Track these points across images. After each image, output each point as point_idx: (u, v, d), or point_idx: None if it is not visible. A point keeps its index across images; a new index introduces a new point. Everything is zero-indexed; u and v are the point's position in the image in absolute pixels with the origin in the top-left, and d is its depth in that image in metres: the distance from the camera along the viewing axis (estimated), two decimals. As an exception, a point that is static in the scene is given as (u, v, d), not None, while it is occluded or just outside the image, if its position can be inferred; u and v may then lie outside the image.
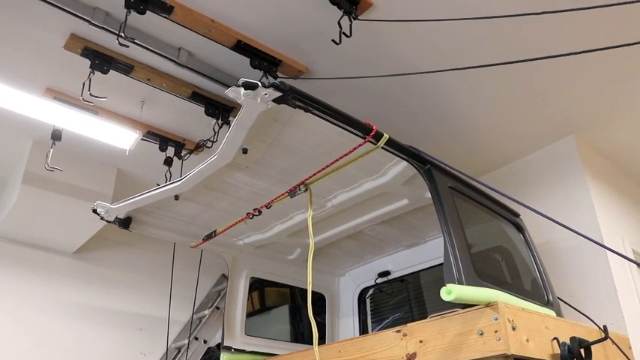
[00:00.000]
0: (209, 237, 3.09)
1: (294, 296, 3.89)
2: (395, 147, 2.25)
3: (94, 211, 2.80)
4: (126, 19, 2.54)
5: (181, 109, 3.36)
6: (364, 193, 2.77)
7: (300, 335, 3.78)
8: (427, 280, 3.62)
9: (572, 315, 2.73)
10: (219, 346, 3.37)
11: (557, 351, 1.99)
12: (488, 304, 1.86)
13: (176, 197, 2.69)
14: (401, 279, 3.68)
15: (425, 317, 2.08)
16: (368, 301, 3.85)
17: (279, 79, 2.64)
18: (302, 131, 2.26)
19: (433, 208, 2.26)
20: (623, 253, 3.23)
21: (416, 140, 3.48)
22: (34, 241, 4.07)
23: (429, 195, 2.46)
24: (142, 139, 3.49)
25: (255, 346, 3.23)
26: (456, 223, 2.19)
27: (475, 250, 2.30)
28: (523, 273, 2.68)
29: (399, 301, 3.74)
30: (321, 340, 3.72)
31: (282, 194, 2.69)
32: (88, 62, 2.87)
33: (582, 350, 2.02)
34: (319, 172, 2.48)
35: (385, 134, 2.18)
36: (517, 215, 2.88)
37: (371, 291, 3.85)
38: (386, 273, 3.69)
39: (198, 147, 3.65)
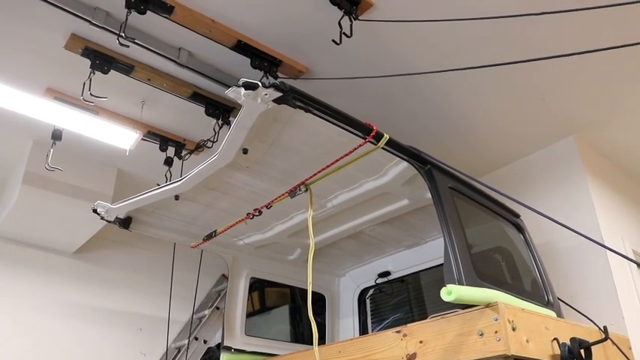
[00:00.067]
0: (209, 237, 3.09)
1: (294, 296, 3.89)
2: (395, 147, 2.25)
3: (94, 211, 2.80)
4: (126, 19, 2.54)
5: (182, 109, 3.36)
6: (364, 193, 2.77)
7: (300, 335, 3.77)
8: (427, 280, 3.62)
9: (572, 315, 2.73)
10: (219, 346, 3.36)
11: (558, 352, 1.99)
12: (488, 305, 1.86)
13: (176, 197, 2.69)
14: (401, 279, 3.68)
15: (425, 318, 2.08)
16: (368, 301, 3.85)
17: (279, 80, 2.65)
18: (302, 131, 2.26)
19: (433, 208, 2.26)
20: (624, 253, 3.23)
21: (416, 140, 3.48)
22: (35, 241, 4.07)
23: (429, 195, 2.46)
24: (143, 139, 3.49)
25: (255, 346, 3.23)
26: (456, 223, 2.19)
27: (475, 250, 2.30)
28: (523, 273, 2.68)
29: (399, 302, 3.74)
30: (321, 340, 3.72)
31: (283, 194, 2.69)
32: (88, 62, 2.87)
33: (582, 351, 2.02)
34: (319, 172, 2.48)
35: (385, 134, 2.18)
36: (517, 216, 2.88)
37: (371, 291, 3.85)
38: (386, 273, 3.69)
39: (199, 147, 3.65)
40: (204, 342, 4.52)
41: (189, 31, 2.70)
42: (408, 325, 2.09)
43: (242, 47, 2.80)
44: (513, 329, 1.80)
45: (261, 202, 2.78)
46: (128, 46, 2.68)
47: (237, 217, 2.92)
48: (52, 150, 3.42)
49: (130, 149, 3.48)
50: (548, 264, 3.03)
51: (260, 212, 2.84)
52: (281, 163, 2.48)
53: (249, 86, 1.84)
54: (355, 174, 2.63)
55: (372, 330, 3.77)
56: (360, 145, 2.23)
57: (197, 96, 3.19)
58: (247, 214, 2.87)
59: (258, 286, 3.61)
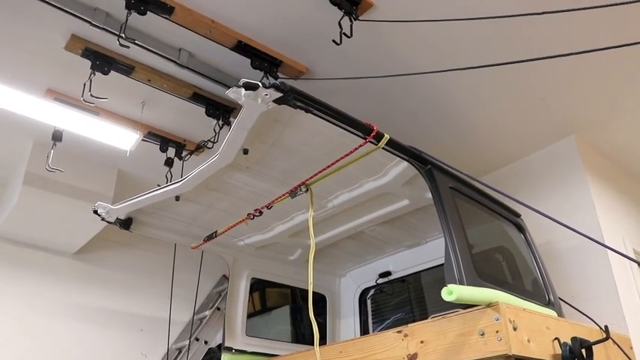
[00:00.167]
0: (210, 238, 3.09)
1: (294, 297, 3.89)
2: (396, 147, 2.25)
3: (95, 211, 2.81)
4: (126, 19, 2.54)
5: (182, 109, 3.36)
6: (365, 193, 2.77)
7: (301, 336, 3.77)
8: (428, 280, 3.62)
9: (573, 315, 2.73)
10: (220, 346, 3.36)
11: (559, 351, 1.99)
12: (489, 305, 1.85)
13: (177, 198, 2.68)
14: (402, 279, 3.68)
15: (426, 318, 2.08)
16: (369, 301, 3.85)
17: (279, 80, 2.65)
18: (303, 132, 2.26)
19: (434, 208, 2.26)
20: (624, 253, 3.23)
21: (416, 140, 3.48)
22: (35, 242, 4.07)
23: (429, 195, 2.46)
24: (143, 140, 3.49)
25: (256, 346, 3.23)
26: (456, 223, 2.19)
27: (476, 250, 2.30)
28: (524, 273, 2.68)
29: (399, 302, 3.74)
30: (322, 340, 3.72)
31: (283, 195, 2.69)
32: (88, 63, 2.87)
33: (583, 350, 2.02)
34: (320, 172, 2.48)
35: (386, 135, 2.18)
36: (518, 215, 2.88)
37: (372, 291, 3.85)
38: (387, 273, 3.69)
39: (199, 148, 3.65)
40: (205, 343, 4.52)
41: (189, 32, 2.70)
42: (409, 325, 2.09)
43: (242, 48, 2.80)
44: (514, 329, 1.80)
45: (262, 202, 2.78)
46: (128, 47, 2.68)
47: (237, 218, 2.92)
48: (52, 151, 3.42)
49: (130, 150, 3.48)
50: (549, 264, 3.03)
51: (261, 213, 2.84)
52: (281, 163, 2.48)
53: (250, 87, 1.84)
54: (356, 174, 2.63)
55: (373, 330, 3.77)
56: (361, 146, 2.23)
57: (197, 96, 3.20)
58: (248, 215, 2.87)
59: (258, 286, 3.61)
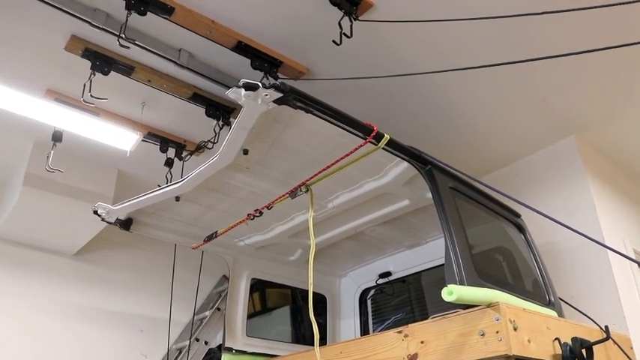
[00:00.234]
0: (210, 238, 3.09)
1: (295, 297, 3.89)
2: (396, 148, 2.25)
3: (95, 212, 2.81)
4: (126, 20, 2.54)
5: (182, 110, 3.36)
6: (365, 193, 2.77)
7: (302, 336, 3.77)
8: (428, 280, 3.61)
9: (573, 315, 2.73)
10: (220, 347, 3.36)
11: (559, 351, 1.99)
12: (489, 305, 1.85)
13: (177, 198, 2.68)
14: (402, 280, 3.68)
15: (426, 318, 2.07)
16: (369, 302, 3.85)
17: (279, 80, 2.65)
18: (303, 132, 2.26)
19: (434, 208, 2.26)
20: (624, 253, 3.22)
21: (416, 141, 3.48)
22: (35, 243, 4.07)
23: (429, 195, 2.46)
24: (143, 141, 3.49)
25: (256, 347, 3.23)
26: (457, 223, 2.19)
27: (476, 250, 2.30)
28: (524, 273, 2.68)
29: (400, 302, 3.74)
30: (322, 341, 3.72)
31: (283, 195, 2.69)
32: (88, 63, 2.87)
33: (584, 351, 2.01)
34: (320, 172, 2.48)
35: (386, 135, 2.17)
36: (518, 216, 2.88)
37: (372, 292, 3.84)
38: (387, 274, 3.69)
39: (199, 148, 3.65)
40: (206, 343, 4.52)
41: (189, 32, 2.70)
42: (410, 325, 2.08)
43: (242, 48, 2.80)
44: (515, 329, 1.80)
45: (262, 202, 2.78)
46: (128, 48, 2.68)
47: (237, 218, 2.92)
48: (52, 151, 3.43)
49: (130, 150, 3.48)
50: (550, 264, 3.03)
51: (261, 213, 2.84)
52: (281, 163, 2.48)
53: (250, 87, 1.84)
54: (356, 174, 2.63)
55: (374, 330, 3.77)
56: (361, 146, 2.23)
57: (197, 97, 3.20)
58: (248, 215, 2.87)
59: (259, 287, 3.61)
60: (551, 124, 3.52)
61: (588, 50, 2.01)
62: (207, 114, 3.26)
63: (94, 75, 2.88)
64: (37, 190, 3.56)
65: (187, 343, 4.36)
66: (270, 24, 2.72)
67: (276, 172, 2.55)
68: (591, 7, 2.07)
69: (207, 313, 4.60)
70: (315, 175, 2.50)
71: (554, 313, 2.39)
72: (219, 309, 4.66)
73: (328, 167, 2.42)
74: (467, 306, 1.91)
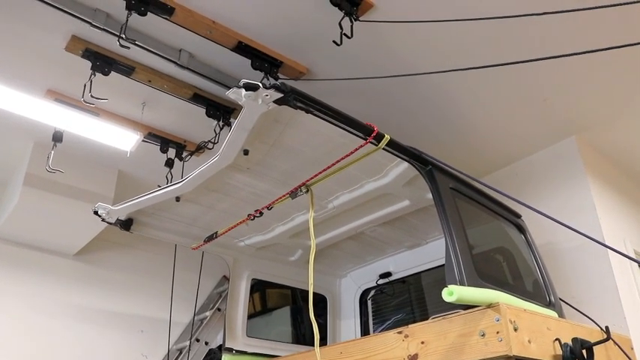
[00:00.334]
0: (210, 238, 3.09)
1: (295, 298, 3.89)
2: (396, 148, 2.25)
3: (95, 212, 2.81)
4: (127, 20, 2.54)
5: (182, 110, 3.36)
6: (365, 194, 2.77)
7: (302, 337, 3.77)
8: (428, 281, 3.61)
9: (573, 316, 2.73)
10: (220, 347, 3.36)
11: (559, 352, 1.99)
12: (489, 305, 1.85)
13: (177, 199, 2.69)
14: (402, 280, 3.67)
15: (426, 318, 2.07)
16: (369, 302, 3.84)
17: (280, 81, 2.65)
18: (303, 132, 2.26)
19: (434, 209, 2.26)
20: (625, 253, 3.22)
21: (417, 141, 3.48)
22: (36, 243, 4.07)
23: (430, 196, 2.46)
24: (143, 141, 3.49)
25: (256, 347, 3.23)
26: (457, 224, 2.19)
27: (477, 251, 2.30)
28: (525, 274, 2.67)
29: (400, 303, 3.74)
30: (323, 341, 3.71)
31: (284, 195, 2.69)
32: (89, 64, 2.88)
33: (584, 351, 2.01)
34: (320, 173, 2.47)
35: (386, 135, 2.17)
36: (518, 216, 2.88)
37: (372, 292, 3.84)
38: (387, 274, 3.69)
39: (199, 148, 3.65)
40: (206, 343, 4.52)
41: (189, 33, 2.70)
42: (410, 325, 2.08)
43: (242, 48, 2.80)
44: (515, 330, 1.80)
45: (262, 203, 2.78)
46: (129, 48, 2.68)
47: (238, 219, 2.92)
48: (52, 152, 3.43)
49: (130, 151, 3.48)
50: (550, 264, 3.03)
51: (261, 213, 2.84)
52: (282, 164, 2.48)
53: (250, 87, 1.84)
54: (356, 175, 2.63)
55: (374, 331, 3.77)
56: (361, 146, 2.23)
57: (198, 97, 3.20)
58: (248, 216, 2.87)
59: (259, 287, 3.61)
60: (552, 125, 3.52)
61: (591, 50, 2.01)
62: (208, 114, 3.26)
63: (95, 75, 2.89)
64: (37, 191, 3.57)
65: (188, 343, 4.36)
66: (271, 24, 2.72)
67: (276, 173, 2.55)
68: (593, 8, 2.07)
69: (208, 313, 4.60)
70: (316, 175, 2.50)
71: (554, 314, 2.39)
72: (219, 309, 4.66)
73: (328, 168, 2.42)
74: (467, 306, 1.91)
